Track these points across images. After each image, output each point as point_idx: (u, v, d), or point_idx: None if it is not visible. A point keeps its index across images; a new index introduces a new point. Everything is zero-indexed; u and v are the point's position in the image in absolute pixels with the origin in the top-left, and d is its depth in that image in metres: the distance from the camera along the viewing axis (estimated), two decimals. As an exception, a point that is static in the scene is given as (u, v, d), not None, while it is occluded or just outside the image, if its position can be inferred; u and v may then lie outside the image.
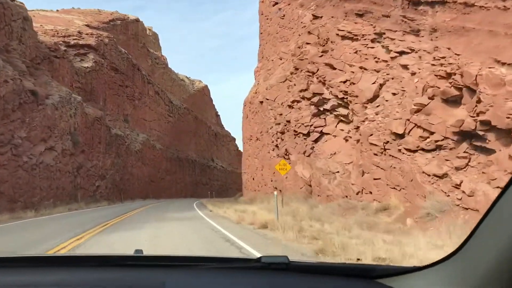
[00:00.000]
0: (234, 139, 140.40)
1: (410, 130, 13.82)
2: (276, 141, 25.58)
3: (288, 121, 23.12)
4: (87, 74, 52.85)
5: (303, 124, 21.24)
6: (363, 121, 16.23)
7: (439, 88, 12.94)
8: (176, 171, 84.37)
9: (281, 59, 34.46)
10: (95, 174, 44.39)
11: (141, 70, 77.24)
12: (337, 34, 18.90)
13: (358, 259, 7.73)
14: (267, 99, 28.86)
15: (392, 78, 15.45)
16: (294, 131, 22.24)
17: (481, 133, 11.61)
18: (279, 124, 24.95)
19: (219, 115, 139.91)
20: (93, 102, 52.97)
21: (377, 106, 15.71)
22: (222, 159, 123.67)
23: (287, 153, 23.40)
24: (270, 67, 37.27)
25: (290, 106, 23.17)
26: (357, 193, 16.35)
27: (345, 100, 18.36)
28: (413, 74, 14.22)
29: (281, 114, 24.75)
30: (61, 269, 2.02)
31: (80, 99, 41.37)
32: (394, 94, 15.05)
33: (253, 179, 37.32)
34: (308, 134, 21.38)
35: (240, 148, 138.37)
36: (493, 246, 1.38)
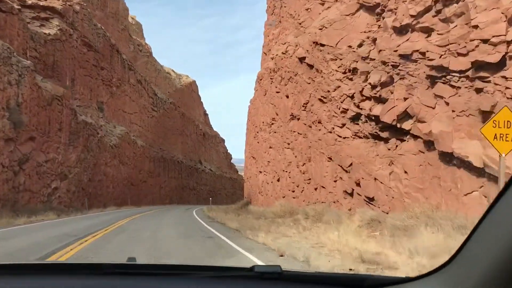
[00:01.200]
0: (223, 141, 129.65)
1: None
2: (358, 106, 13.91)
3: (407, 56, 11.40)
4: (48, 43, 40.56)
5: (485, 41, 9.33)
6: None
7: None
8: (160, 174, 72.19)
9: (323, 4, 23.39)
10: (51, 172, 32.10)
11: (121, 53, 65.05)
12: None
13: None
14: (322, 46, 17.35)
15: None
16: (440, 68, 10.33)
17: None
18: (366, 74, 13.21)
19: (207, 114, 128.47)
20: (57, 80, 40.68)
21: None
22: (210, 161, 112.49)
23: (403, 120, 11.73)
24: (302, 20, 26.07)
25: (405, 28, 11.36)
26: None
27: None
28: None
29: (367, 57, 13.14)
30: (53, 276, 1.94)
31: (30, 64, 29.20)
32: None
33: (278, 180, 25.66)
34: (501, 64, 9.64)
35: (230, 150, 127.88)
36: (489, 252, 1.29)
